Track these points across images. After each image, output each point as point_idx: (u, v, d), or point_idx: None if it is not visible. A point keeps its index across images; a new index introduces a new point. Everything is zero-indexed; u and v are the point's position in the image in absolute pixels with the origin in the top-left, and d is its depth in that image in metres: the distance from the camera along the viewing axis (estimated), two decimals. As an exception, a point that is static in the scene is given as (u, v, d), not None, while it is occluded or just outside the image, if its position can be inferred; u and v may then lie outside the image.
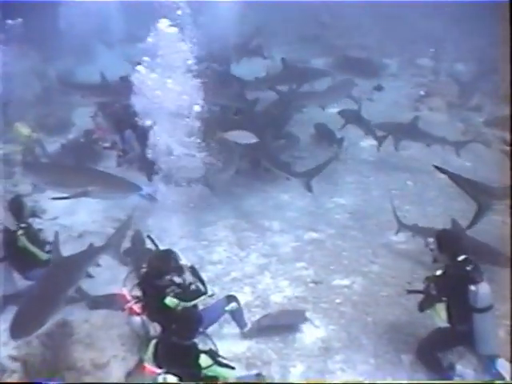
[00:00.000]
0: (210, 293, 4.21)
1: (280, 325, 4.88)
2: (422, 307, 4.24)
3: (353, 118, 8.28)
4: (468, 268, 4.03)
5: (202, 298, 3.94)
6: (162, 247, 4.48)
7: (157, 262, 3.91)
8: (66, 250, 5.33)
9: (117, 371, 4.25)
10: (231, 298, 4.60)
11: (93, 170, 7.23)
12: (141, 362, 4.01)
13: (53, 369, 4.17)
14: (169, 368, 3.63)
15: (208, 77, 8.29)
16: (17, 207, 5.21)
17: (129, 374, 4.27)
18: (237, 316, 4.67)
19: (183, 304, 3.75)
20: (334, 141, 8.45)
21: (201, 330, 3.98)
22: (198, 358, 3.72)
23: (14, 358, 4.23)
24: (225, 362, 3.84)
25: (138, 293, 3.99)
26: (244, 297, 5.31)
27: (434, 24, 11.89)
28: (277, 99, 8.75)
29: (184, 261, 4.08)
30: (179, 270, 3.93)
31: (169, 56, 5.83)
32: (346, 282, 5.62)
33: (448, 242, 4.23)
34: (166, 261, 3.90)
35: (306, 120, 9.03)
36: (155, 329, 3.84)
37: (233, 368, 3.85)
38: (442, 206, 7.13)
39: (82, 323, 4.55)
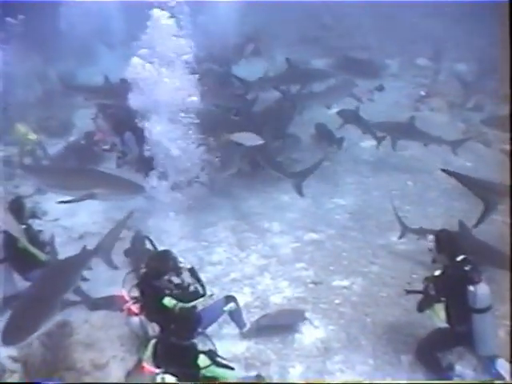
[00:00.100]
0: (208, 293, 4.22)
1: (279, 325, 4.88)
2: (421, 307, 4.24)
3: (351, 117, 8.28)
4: (467, 268, 4.03)
5: (201, 299, 3.95)
6: (161, 248, 4.50)
7: (154, 262, 3.93)
8: (67, 252, 5.37)
9: (116, 371, 4.26)
10: (230, 299, 4.60)
11: (97, 171, 7.21)
12: (140, 362, 4.02)
13: (52, 369, 4.19)
14: (167, 368, 3.64)
15: (208, 77, 8.37)
16: (17, 208, 5.23)
17: (128, 375, 4.28)
18: (236, 316, 4.68)
19: (181, 305, 3.76)
20: (334, 141, 8.45)
21: (200, 330, 4.01)
22: (196, 358, 3.74)
23: (14, 359, 4.25)
24: (224, 362, 3.85)
25: (136, 293, 4.01)
26: (244, 297, 5.33)
27: (434, 24, 11.90)
28: (279, 99, 8.74)
29: (183, 262, 4.09)
30: (177, 270, 3.94)
31: (166, 51, 5.82)
32: (345, 282, 5.62)
33: (446, 242, 4.23)
34: (164, 261, 3.92)
35: (307, 120, 9.04)
36: (154, 329, 3.85)
37: (232, 368, 3.86)
38: (443, 206, 7.13)
39: (81, 324, 4.57)
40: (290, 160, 8.11)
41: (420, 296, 4.25)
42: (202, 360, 3.68)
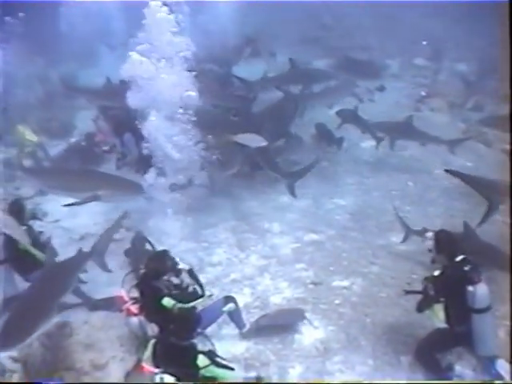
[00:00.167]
0: (208, 293, 4.23)
1: (279, 324, 4.88)
2: (421, 308, 4.23)
3: (350, 117, 8.28)
4: (466, 268, 4.02)
5: (200, 300, 3.96)
6: (161, 248, 4.51)
7: (153, 262, 3.94)
8: (67, 253, 5.39)
9: (116, 372, 4.28)
10: (229, 299, 4.62)
11: (98, 172, 7.22)
12: (139, 362, 4.03)
13: (52, 369, 4.21)
14: (167, 368, 3.65)
15: (208, 78, 8.38)
16: (17, 210, 5.25)
17: (128, 375, 4.29)
18: (235, 317, 4.69)
19: (180, 305, 3.77)
20: (333, 141, 8.45)
21: (199, 330, 4.01)
22: (195, 358, 3.74)
23: (14, 359, 4.27)
24: (224, 362, 3.85)
25: (135, 294, 4.02)
26: (243, 298, 5.34)
27: (435, 24, 11.88)
28: (280, 99, 8.74)
29: (182, 264, 4.10)
30: (176, 270, 3.95)
31: (164, 47, 5.80)
32: (345, 283, 5.62)
33: (446, 242, 4.23)
34: (162, 261, 3.93)
35: (307, 120, 9.04)
36: (153, 330, 3.87)
37: (232, 369, 3.86)
38: (443, 206, 7.11)
39: (81, 324, 4.58)
40: (289, 161, 8.09)
41: (420, 296, 4.25)
42: (201, 360, 3.68)
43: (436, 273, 4.15)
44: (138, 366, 4.16)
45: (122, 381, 4.27)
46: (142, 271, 4.00)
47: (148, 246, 4.79)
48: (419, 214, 6.86)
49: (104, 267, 5.48)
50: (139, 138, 6.51)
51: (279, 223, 6.90)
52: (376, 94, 10.62)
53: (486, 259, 4.94)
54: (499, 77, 8.45)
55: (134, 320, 3.93)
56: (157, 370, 3.62)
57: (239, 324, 4.74)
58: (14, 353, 4.27)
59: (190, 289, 3.98)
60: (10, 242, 5.05)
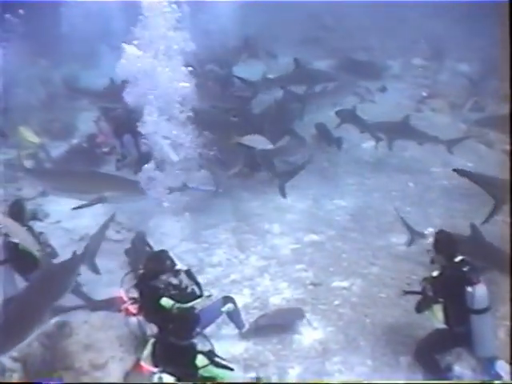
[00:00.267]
0: (206, 294, 4.24)
1: (278, 324, 4.89)
2: (420, 308, 4.23)
3: (349, 117, 8.27)
4: (465, 269, 4.02)
5: (198, 300, 3.97)
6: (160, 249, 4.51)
7: (151, 263, 3.96)
8: (68, 254, 5.40)
9: (115, 371, 4.30)
10: (227, 299, 4.63)
11: (103, 174, 7.21)
12: (138, 361, 4.03)
13: (52, 369, 4.23)
14: (166, 367, 3.66)
15: (208, 79, 8.38)
16: (17, 211, 5.26)
17: (127, 375, 4.31)
18: (234, 317, 4.70)
19: (179, 305, 3.78)
20: (333, 141, 8.45)
21: (198, 330, 4.02)
22: (194, 357, 3.74)
23: (13, 358, 4.29)
24: (223, 362, 3.85)
25: (134, 294, 4.03)
26: (243, 299, 5.35)
27: (435, 25, 11.86)
28: (281, 99, 8.74)
29: (180, 265, 4.11)
30: (174, 270, 3.96)
31: (161, 41, 5.81)
32: (345, 283, 5.62)
33: (445, 243, 4.22)
34: (160, 261, 3.94)
35: (307, 120, 9.03)
36: (152, 329, 3.88)
37: (231, 369, 3.87)
38: (443, 206, 7.10)
39: (81, 324, 4.61)
40: (289, 162, 8.09)
41: (419, 297, 4.24)
42: (201, 360, 3.69)
43: (435, 273, 4.15)
44: (137, 365, 4.17)
45: (121, 380, 4.28)
46: (141, 271, 4.01)
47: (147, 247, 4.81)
48: (419, 214, 6.84)
49: (94, 269, 5.44)
50: (138, 138, 6.53)
51: (279, 224, 6.89)
52: (377, 95, 10.62)
53: (492, 262, 4.93)
54: (499, 77, 8.43)
55: (133, 320, 3.94)
56: (156, 370, 3.63)
57: (238, 324, 4.75)
58: (13, 352, 4.28)
59: (189, 289, 3.99)
60: (11, 242, 5.07)
